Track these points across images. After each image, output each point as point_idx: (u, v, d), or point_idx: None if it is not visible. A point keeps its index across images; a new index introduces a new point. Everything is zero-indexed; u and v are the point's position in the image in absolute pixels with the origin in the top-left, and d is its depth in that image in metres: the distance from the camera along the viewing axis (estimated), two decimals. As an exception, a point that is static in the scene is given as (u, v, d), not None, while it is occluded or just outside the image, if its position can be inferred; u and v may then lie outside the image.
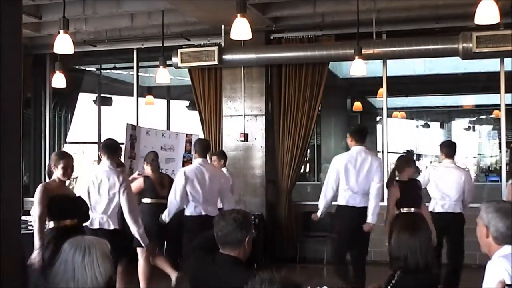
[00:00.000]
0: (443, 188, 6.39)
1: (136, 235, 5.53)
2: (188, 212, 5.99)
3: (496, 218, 2.61)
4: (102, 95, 12.03)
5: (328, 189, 6.02)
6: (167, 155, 7.98)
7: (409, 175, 6.10)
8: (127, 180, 5.60)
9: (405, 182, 6.04)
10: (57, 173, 4.80)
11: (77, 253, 2.51)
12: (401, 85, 12.95)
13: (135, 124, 9.82)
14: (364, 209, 5.91)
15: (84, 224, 5.02)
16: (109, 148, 5.56)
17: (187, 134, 8.44)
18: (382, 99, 9.09)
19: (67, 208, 4.73)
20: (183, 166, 8.12)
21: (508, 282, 2.37)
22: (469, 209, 7.55)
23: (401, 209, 6.00)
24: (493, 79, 9.27)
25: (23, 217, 5.56)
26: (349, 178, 5.93)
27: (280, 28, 8.77)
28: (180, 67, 8.85)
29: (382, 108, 9.20)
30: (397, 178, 6.09)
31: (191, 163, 8.10)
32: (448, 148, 6.57)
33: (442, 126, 18.23)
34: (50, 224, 4.70)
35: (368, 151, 6.12)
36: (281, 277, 1.87)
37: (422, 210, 5.97)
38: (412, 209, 5.93)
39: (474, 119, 17.93)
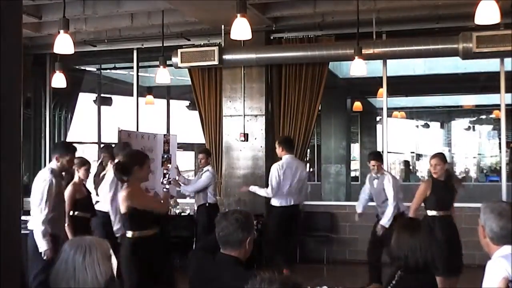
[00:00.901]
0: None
1: None
2: None
3: (491, 219, 2.62)
4: (102, 95, 12.03)
5: (275, 189, 7.08)
6: None
7: (437, 173, 5.81)
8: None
9: (439, 181, 5.81)
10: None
11: (78, 253, 2.52)
12: (401, 85, 12.95)
13: (136, 124, 9.85)
14: (293, 206, 7.16)
15: None
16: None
17: (164, 135, 8.51)
18: (382, 99, 9.08)
19: (150, 218, 4.66)
20: (162, 166, 8.32)
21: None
22: (469, 209, 7.58)
23: (428, 211, 5.81)
24: (493, 79, 9.27)
25: (23, 217, 5.55)
26: (285, 183, 7.05)
27: (280, 28, 8.76)
28: (180, 67, 8.85)
29: (382, 108, 9.20)
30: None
31: (169, 163, 8.25)
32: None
33: (442, 126, 18.26)
34: (129, 234, 4.62)
35: (297, 159, 7.41)
36: (281, 277, 1.87)
37: (452, 212, 5.81)
38: (441, 212, 5.75)
39: (474, 119, 17.96)
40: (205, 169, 7.81)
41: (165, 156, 8.42)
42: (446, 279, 5.30)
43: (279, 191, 7.08)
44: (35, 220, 5.02)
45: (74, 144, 5.68)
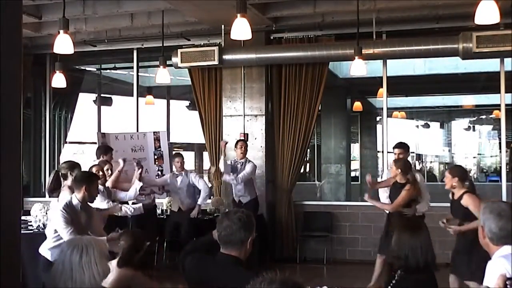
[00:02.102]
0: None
1: None
2: None
3: (490, 219, 2.62)
4: (102, 95, 12.03)
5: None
6: (138, 155, 8.19)
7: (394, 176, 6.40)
8: None
9: (396, 183, 6.39)
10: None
11: (75, 253, 2.51)
12: (401, 85, 12.94)
13: (136, 124, 9.85)
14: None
15: None
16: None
17: (154, 132, 8.58)
18: (382, 99, 9.08)
19: None
20: (155, 163, 8.42)
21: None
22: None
23: None
24: (493, 79, 9.26)
25: (23, 217, 5.54)
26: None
27: (280, 28, 8.76)
28: (180, 67, 8.85)
29: (382, 108, 9.19)
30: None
31: (162, 161, 8.30)
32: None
33: (442, 126, 18.24)
34: None
35: None
36: (281, 277, 1.87)
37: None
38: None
39: (474, 119, 17.93)
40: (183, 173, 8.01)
41: (157, 153, 8.53)
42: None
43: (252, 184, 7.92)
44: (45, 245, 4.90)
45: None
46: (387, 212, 6.54)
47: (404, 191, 6.16)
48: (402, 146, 6.83)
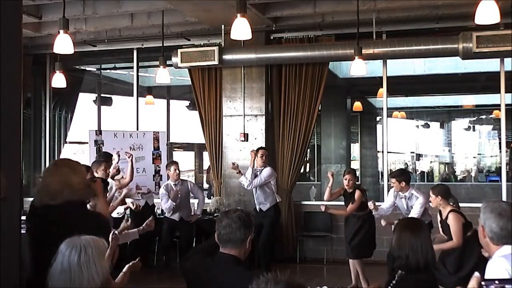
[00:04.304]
0: None
1: None
2: None
3: (491, 218, 2.62)
4: (102, 95, 12.03)
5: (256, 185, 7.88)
6: (137, 154, 8.26)
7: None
8: None
9: (346, 192, 7.05)
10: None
11: (73, 253, 2.50)
12: (401, 85, 12.94)
13: (136, 124, 9.85)
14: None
15: None
16: None
17: (154, 132, 8.63)
18: (382, 99, 9.08)
19: None
20: (153, 163, 8.53)
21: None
22: (469, 209, 7.56)
23: None
24: (493, 79, 9.26)
25: (23, 217, 5.53)
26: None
27: (280, 28, 8.76)
28: (180, 67, 8.85)
29: (382, 108, 9.20)
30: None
31: (160, 161, 8.35)
32: None
33: (442, 126, 18.22)
34: None
35: None
36: (286, 278, 1.87)
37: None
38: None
39: (474, 119, 17.92)
40: None
41: (155, 152, 8.58)
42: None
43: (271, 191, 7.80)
44: None
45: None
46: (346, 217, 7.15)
47: (356, 197, 6.79)
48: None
